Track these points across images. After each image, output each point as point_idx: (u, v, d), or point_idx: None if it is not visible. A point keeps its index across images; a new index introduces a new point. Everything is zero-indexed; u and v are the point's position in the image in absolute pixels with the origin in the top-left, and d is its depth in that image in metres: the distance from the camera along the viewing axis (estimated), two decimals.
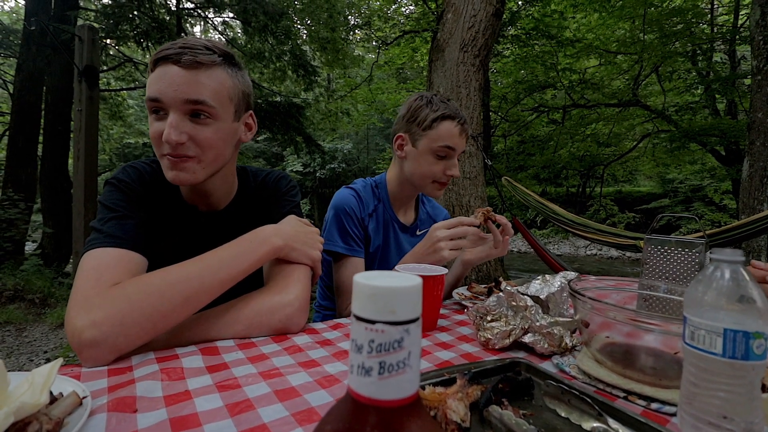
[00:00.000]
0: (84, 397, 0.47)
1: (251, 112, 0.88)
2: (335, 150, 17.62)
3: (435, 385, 0.49)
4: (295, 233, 0.82)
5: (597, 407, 0.45)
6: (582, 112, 11.36)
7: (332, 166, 17.57)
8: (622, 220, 11.64)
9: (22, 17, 6.85)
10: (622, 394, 0.55)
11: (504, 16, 6.37)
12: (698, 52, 9.47)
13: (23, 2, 6.89)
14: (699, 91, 10.28)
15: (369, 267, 1.22)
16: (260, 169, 1.02)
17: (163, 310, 0.64)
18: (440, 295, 0.84)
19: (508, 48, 9.88)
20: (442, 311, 0.97)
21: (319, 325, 0.84)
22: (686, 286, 0.76)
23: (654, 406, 0.53)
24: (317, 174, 17.74)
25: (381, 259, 1.25)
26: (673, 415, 0.50)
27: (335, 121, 10.16)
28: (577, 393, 0.47)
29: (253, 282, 0.80)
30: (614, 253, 10.74)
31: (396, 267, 0.83)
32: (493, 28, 4.02)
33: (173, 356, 0.63)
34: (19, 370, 0.57)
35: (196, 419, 0.46)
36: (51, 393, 0.45)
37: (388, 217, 1.25)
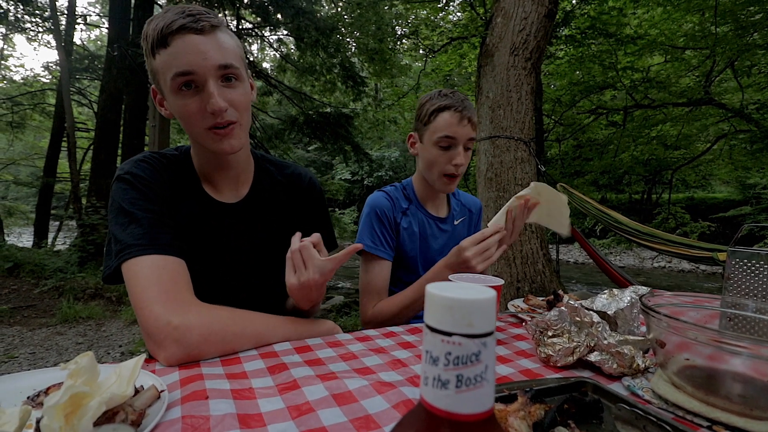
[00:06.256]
0: (162, 391, 0.51)
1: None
2: (383, 158, 17.85)
3: (494, 401, 0.48)
4: None
5: None
6: (646, 113, 10.54)
7: (380, 174, 17.79)
8: (695, 229, 10.54)
9: (106, 44, 7.69)
10: (705, 423, 0.50)
11: (557, 17, 6.13)
12: None
13: (106, 31, 7.73)
14: None
15: (412, 261, 1.23)
16: (283, 161, 1.02)
17: (237, 337, 0.70)
18: (498, 307, 0.81)
19: (561, 49, 9.45)
20: (497, 324, 0.93)
21: (371, 332, 0.84)
22: None
23: None
24: (365, 182, 18.06)
25: (421, 251, 1.25)
26: None
27: (383, 129, 10.27)
28: (654, 419, 0.44)
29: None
30: (686, 265, 9.81)
31: (450, 277, 0.82)
32: (546, 30, 3.88)
33: (236, 359, 0.67)
34: (98, 362, 0.62)
35: (261, 419, 0.48)
36: (134, 386, 0.49)
37: (422, 215, 1.26)
